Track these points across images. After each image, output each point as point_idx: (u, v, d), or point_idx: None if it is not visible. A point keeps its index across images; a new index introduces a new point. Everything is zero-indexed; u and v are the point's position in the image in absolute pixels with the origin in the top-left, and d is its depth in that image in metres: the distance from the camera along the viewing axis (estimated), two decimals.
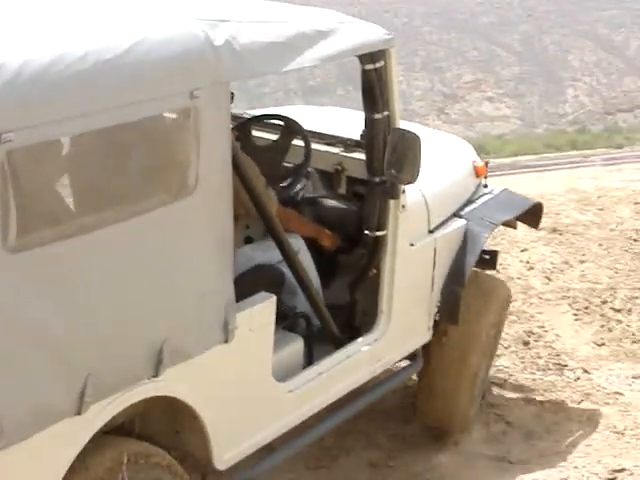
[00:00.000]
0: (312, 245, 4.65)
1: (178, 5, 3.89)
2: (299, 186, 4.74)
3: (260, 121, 4.95)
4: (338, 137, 4.97)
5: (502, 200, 5.46)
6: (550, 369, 6.10)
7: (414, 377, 5.43)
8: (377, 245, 4.60)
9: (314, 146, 4.78)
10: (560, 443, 5.40)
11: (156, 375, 3.59)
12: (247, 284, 4.08)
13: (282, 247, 4.24)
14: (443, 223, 5.08)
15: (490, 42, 28.67)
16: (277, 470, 4.63)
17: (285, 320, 4.41)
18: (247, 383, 4.05)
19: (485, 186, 5.53)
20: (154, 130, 3.51)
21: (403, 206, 4.65)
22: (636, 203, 7.44)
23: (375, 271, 4.68)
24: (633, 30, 30.37)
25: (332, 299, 4.64)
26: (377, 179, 4.48)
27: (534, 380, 5.96)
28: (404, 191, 4.63)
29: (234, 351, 3.88)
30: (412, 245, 4.81)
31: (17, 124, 3.07)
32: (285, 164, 4.77)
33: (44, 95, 3.14)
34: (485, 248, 5.46)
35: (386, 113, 4.42)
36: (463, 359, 5.21)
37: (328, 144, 4.95)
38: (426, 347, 5.19)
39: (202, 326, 3.74)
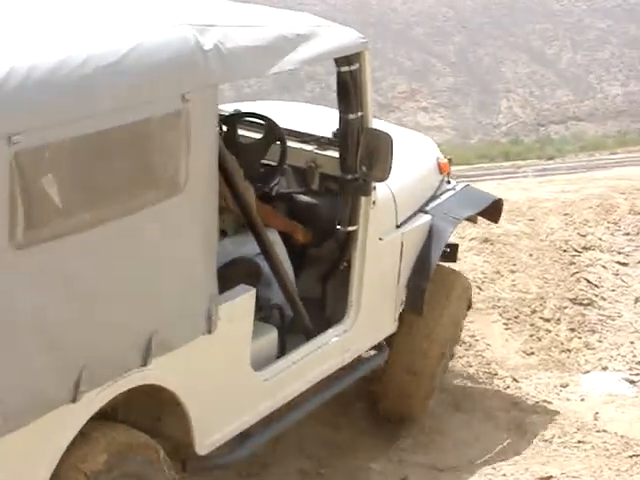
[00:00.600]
0: (284, 239, 4.80)
1: (169, 10, 4.02)
2: (274, 182, 4.87)
3: (242, 118, 5.07)
4: (312, 135, 5.10)
5: (465, 196, 5.64)
6: (480, 377, 6.16)
7: None
8: (348, 239, 4.80)
9: (289, 143, 4.92)
10: (489, 451, 5.46)
11: (145, 364, 3.75)
12: (226, 277, 4.21)
13: (260, 240, 4.42)
14: (410, 218, 5.26)
15: (425, 52, 28.95)
16: (206, 477, 4.66)
17: (260, 311, 4.51)
18: (227, 372, 4.20)
19: (448, 182, 5.69)
20: (148, 131, 3.63)
21: (374, 202, 4.82)
22: (565, 214, 7.54)
23: (346, 264, 4.85)
24: (565, 44, 30.84)
25: (303, 291, 4.78)
26: (350, 176, 4.68)
27: (464, 388, 6.02)
28: (375, 188, 4.80)
29: (216, 341, 4.04)
30: (381, 239, 4.98)
31: (25, 126, 3.22)
32: (262, 162, 4.91)
33: (50, 99, 3.30)
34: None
35: (360, 113, 4.63)
36: (426, 348, 5.37)
37: (302, 141, 5.08)
38: (391, 337, 5.35)
39: (188, 317, 3.91)
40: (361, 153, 4.61)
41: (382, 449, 5.45)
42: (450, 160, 5.75)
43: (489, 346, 6.42)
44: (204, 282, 3.95)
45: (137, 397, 3.94)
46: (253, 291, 4.23)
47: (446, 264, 5.65)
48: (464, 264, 6.70)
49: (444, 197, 5.55)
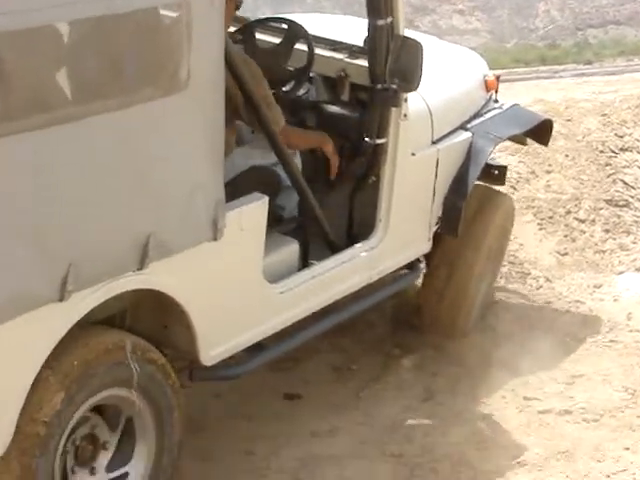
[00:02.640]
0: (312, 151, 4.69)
1: None
2: (302, 90, 4.76)
3: (264, 24, 4.93)
4: (343, 43, 4.96)
5: (510, 115, 5.46)
6: (513, 277, 6.14)
7: None
8: (377, 153, 4.65)
9: (318, 51, 4.79)
10: (521, 350, 5.44)
11: (141, 268, 3.65)
12: (242, 185, 4.14)
13: (278, 149, 4.26)
14: (447, 135, 5.10)
15: None
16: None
17: (281, 223, 4.47)
18: (236, 282, 4.09)
19: (496, 101, 5.52)
20: (144, 22, 3.48)
21: (405, 115, 4.68)
22: (603, 115, 7.41)
23: (374, 179, 4.73)
24: None
25: (333, 206, 4.71)
26: (379, 86, 4.54)
27: (497, 288, 6.00)
28: (406, 99, 4.66)
29: (223, 249, 3.92)
30: (413, 155, 4.83)
31: (5, 8, 3.07)
32: (289, 69, 4.76)
33: None
34: (493, 163, 5.50)
35: (389, 19, 4.48)
36: (465, 270, 5.26)
37: (333, 50, 4.93)
38: (429, 257, 5.25)
39: (190, 222, 3.78)
40: (390, 62, 4.48)
41: (415, 345, 5.44)
42: (498, 77, 5.58)
43: (522, 246, 6.37)
44: (208, 186, 3.81)
45: (144, 304, 3.91)
46: (265, 199, 4.11)
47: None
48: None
49: (488, 115, 5.37)
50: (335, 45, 4.95)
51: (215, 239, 3.86)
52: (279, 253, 4.39)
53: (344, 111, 4.74)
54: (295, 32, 4.72)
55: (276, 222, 4.38)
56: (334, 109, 4.78)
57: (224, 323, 4.10)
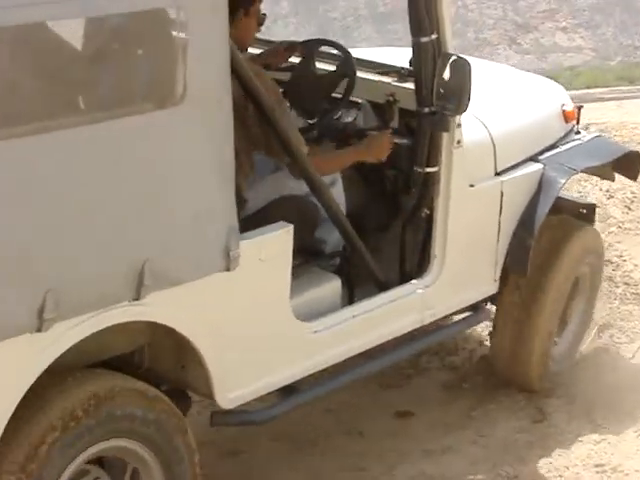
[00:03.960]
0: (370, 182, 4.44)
1: None
2: (349, 118, 4.46)
3: (320, 46, 4.61)
4: (392, 66, 4.65)
5: (590, 147, 5.09)
6: (627, 298, 5.98)
7: None
8: (428, 183, 4.31)
9: (366, 75, 4.52)
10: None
11: (137, 298, 3.32)
12: (271, 216, 3.84)
13: (308, 177, 3.93)
14: (514, 166, 4.74)
15: None
16: (349, 387, 4.54)
17: (322, 258, 4.23)
18: (257, 318, 3.76)
19: (577, 132, 5.19)
20: (127, 26, 3.22)
21: (458, 141, 4.33)
22: None
23: (428, 212, 4.38)
24: None
25: (384, 241, 4.45)
26: (426, 109, 4.21)
27: (611, 309, 5.81)
28: (459, 125, 4.32)
29: (240, 281, 3.61)
30: (472, 186, 4.49)
31: None
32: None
33: None
34: (581, 201, 5.24)
35: (434, 36, 4.14)
36: (533, 314, 4.86)
37: (381, 73, 4.63)
38: (497, 300, 4.89)
39: (197, 250, 3.46)
40: (437, 82, 4.12)
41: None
42: (579, 108, 5.22)
43: (637, 267, 6.22)
44: (217, 211, 3.48)
45: (162, 342, 3.63)
46: (289, 228, 3.76)
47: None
48: (613, 183, 6.48)
49: (565, 147, 4.99)
50: (384, 68, 4.65)
51: (229, 270, 3.53)
52: (317, 290, 4.09)
53: (393, 138, 4.38)
54: (347, 65, 4.41)
55: (317, 257, 4.15)
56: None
57: (244, 363, 3.76)
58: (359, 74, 4.48)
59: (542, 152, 4.92)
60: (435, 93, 4.15)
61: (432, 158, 4.30)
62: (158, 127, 3.31)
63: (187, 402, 3.89)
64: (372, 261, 4.25)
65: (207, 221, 3.47)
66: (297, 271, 3.95)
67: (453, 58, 4.16)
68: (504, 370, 5.03)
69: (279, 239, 3.77)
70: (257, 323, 3.77)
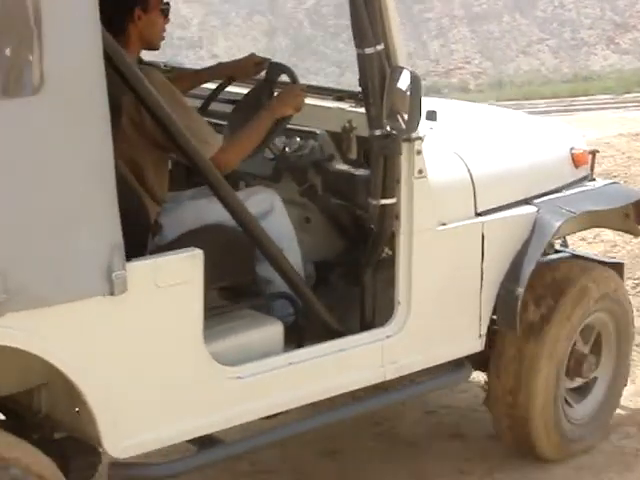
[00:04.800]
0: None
1: None
2: (306, 150, 4.00)
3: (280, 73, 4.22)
4: (349, 91, 4.20)
5: (600, 192, 4.57)
6: None
7: None
8: (385, 217, 3.80)
9: (322, 103, 4.14)
10: None
11: None
12: (192, 245, 3.36)
13: (221, 196, 3.50)
14: (501, 208, 4.22)
15: None
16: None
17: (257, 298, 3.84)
18: (158, 355, 3.34)
19: (592, 179, 4.68)
20: None
21: (420, 171, 3.83)
22: None
23: (389, 252, 3.89)
24: None
25: (340, 284, 4.06)
26: (377, 132, 3.71)
27: None
28: (419, 152, 3.82)
29: (129, 309, 3.21)
30: (444, 224, 3.98)
31: None
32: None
33: None
34: (609, 260, 4.79)
35: (380, 47, 3.66)
36: (528, 373, 4.27)
37: (338, 99, 4.17)
38: (488, 358, 4.32)
39: (67, 266, 3.05)
40: (387, 100, 3.63)
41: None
42: (593, 153, 4.71)
43: None
44: (96, 224, 3.08)
45: (55, 382, 3.25)
46: (198, 253, 3.33)
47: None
48: None
49: (570, 192, 4.48)
50: (340, 94, 4.20)
51: (113, 294, 3.11)
52: (250, 334, 3.66)
53: (350, 169, 3.94)
54: (276, 69, 4.13)
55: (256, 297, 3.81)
56: (338, 168, 3.99)
57: (142, 407, 3.31)
58: (315, 102, 4.12)
59: (541, 196, 4.41)
60: (385, 112, 3.66)
61: (388, 188, 3.80)
62: (9, 118, 2.93)
63: (90, 454, 3.40)
64: (319, 305, 3.80)
65: (80, 233, 3.07)
66: (233, 312, 3.71)
67: (403, 72, 3.66)
68: (507, 440, 4.48)
69: (183, 264, 3.33)
70: (157, 360, 3.34)
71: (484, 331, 4.18)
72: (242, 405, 3.53)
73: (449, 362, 4.16)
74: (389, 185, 3.76)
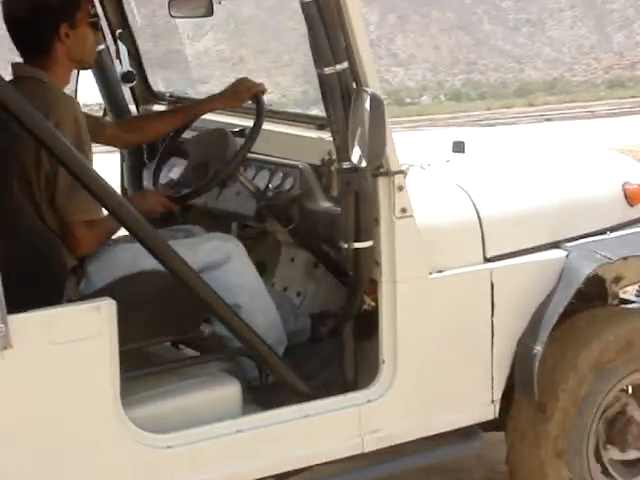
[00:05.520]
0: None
1: None
2: (287, 185, 3.63)
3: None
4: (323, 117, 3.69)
5: None
6: None
7: None
8: (359, 263, 3.34)
9: (302, 132, 3.74)
10: None
11: None
12: (123, 294, 3.01)
13: (146, 243, 3.10)
14: (520, 252, 3.69)
15: None
16: None
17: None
18: (56, 421, 2.94)
19: None
20: None
21: (404, 210, 3.35)
22: None
23: (371, 303, 3.42)
24: None
25: (316, 342, 3.59)
26: (345, 164, 3.24)
27: None
28: (401, 188, 3.34)
29: (18, 368, 2.86)
30: (440, 272, 3.48)
31: None
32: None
33: None
34: None
35: (342, 66, 3.19)
36: (551, 451, 3.68)
37: (319, 128, 3.71)
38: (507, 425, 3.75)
39: None
40: (352, 127, 3.15)
41: None
42: None
43: None
44: None
45: None
46: (106, 303, 2.96)
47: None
48: None
49: (617, 233, 3.91)
50: (321, 121, 3.69)
51: None
52: (200, 395, 3.26)
53: (328, 208, 3.51)
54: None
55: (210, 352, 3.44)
56: (317, 206, 3.56)
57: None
58: (294, 131, 3.77)
59: (577, 238, 3.83)
60: (351, 141, 3.17)
61: (362, 230, 3.31)
62: None
63: None
64: (281, 364, 3.35)
65: None
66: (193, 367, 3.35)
67: (364, 94, 3.16)
68: None
69: (86, 317, 2.95)
70: (53, 427, 2.94)
71: (497, 396, 3.62)
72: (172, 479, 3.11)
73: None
74: (364, 226, 3.30)
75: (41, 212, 3.23)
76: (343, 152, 3.24)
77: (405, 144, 3.58)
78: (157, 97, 4.46)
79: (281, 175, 3.68)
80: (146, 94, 4.44)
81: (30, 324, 2.87)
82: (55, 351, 2.91)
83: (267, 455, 3.26)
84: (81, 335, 2.93)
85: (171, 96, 4.40)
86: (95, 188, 2.97)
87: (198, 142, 3.88)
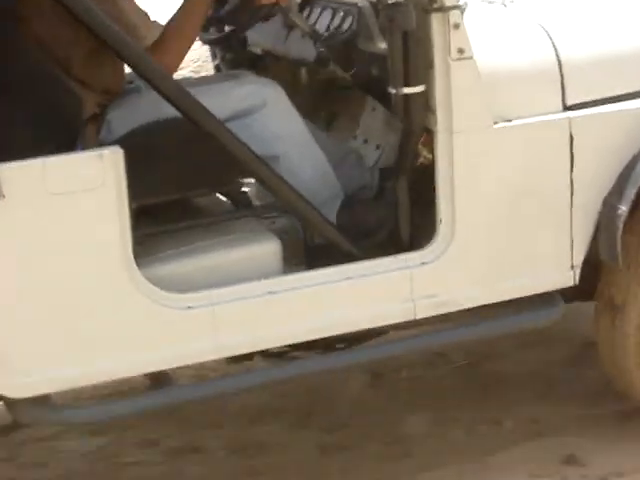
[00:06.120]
0: None
1: None
2: (345, 24, 3.29)
3: None
4: None
5: None
6: None
7: None
8: (410, 110, 3.03)
9: None
10: None
11: None
12: (145, 143, 2.85)
13: (162, 91, 2.89)
14: (606, 100, 3.29)
15: None
16: None
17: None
18: (59, 277, 2.78)
19: None
20: None
21: (461, 50, 3.00)
22: None
23: (429, 155, 3.11)
24: None
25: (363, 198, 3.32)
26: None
27: None
28: (457, 25, 2.98)
29: (13, 219, 2.71)
30: (508, 120, 3.14)
31: None
32: None
33: None
34: None
35: None
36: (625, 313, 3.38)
37: None
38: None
39: None
40: None
41: None
42: None
43: None
44: None
45: None
46: (111, 151, 2.76)
47: None
48: None
49: None
50: None
51: None
52: (232, 253, 3.02)
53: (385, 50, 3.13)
54: None
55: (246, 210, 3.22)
56: (372, 46, 3.22)
57: (44, 335, 2.79)
58: None
59: None
60: None
61: (412, 73, 3.00)
62: None
63: None
64: (324, 222, 3.09)
65: None
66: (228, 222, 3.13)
67: None
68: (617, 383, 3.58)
69: (87, 167, 2.75)
70: (54, 284, 2.78)
71: (578, 261, 3.28)
72: (197, 342, 2.91)
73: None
74: (413, 69, 2.98)
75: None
76: None
77: None
78: None
79: (341, 15, 3.36)
80: None
81: (22, 173, 2.70)
82: (53, 202, 2.73)
83: (308, 319, 3.01)
84: (82, 186, 2.74)
85: None
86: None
87: None
